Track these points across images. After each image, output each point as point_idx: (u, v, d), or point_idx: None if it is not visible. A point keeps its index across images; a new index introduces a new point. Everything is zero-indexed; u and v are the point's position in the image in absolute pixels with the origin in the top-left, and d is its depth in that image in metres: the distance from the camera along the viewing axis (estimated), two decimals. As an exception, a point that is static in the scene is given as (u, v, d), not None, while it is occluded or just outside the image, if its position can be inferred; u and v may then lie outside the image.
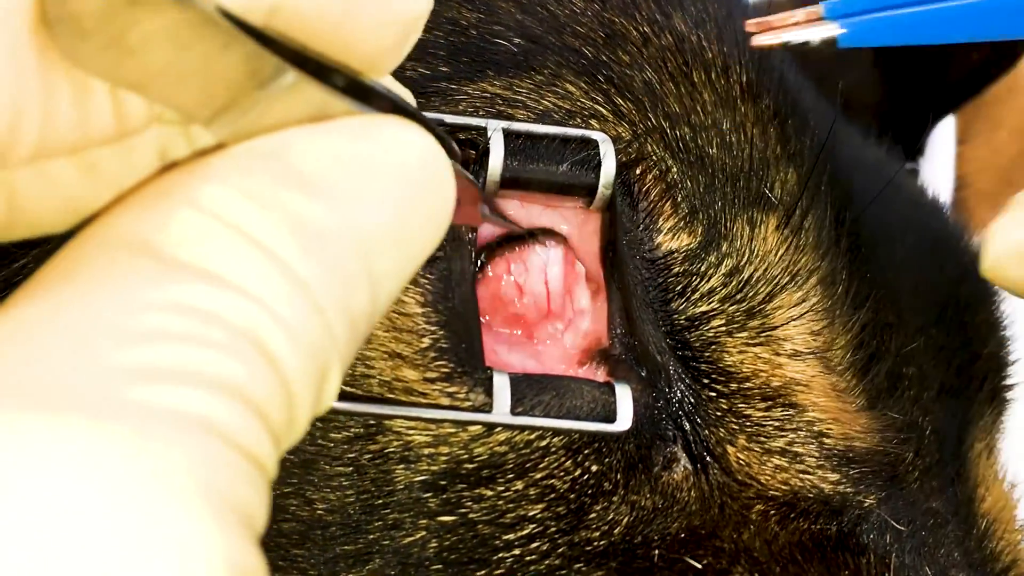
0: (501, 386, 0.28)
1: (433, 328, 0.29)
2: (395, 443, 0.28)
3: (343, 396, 0.28)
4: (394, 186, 0.19)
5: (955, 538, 0.31)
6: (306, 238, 0.18)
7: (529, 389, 0.28)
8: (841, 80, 0.63)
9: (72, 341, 0.16)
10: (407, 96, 0.21)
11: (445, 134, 0.21)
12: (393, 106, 0.20)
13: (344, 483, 0.29)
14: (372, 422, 0.29)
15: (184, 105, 0.19)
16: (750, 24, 0.29)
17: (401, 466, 0.28)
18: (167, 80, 0.18)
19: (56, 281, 0.17)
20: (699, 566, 0.28)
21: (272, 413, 0.17)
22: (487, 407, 0.28)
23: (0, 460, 0.15)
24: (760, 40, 0.28)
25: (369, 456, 0.29)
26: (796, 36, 0.28)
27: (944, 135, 0.69)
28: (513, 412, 0.28)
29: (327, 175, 0.19)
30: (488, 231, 0.31)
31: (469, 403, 0.28)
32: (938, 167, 0.67)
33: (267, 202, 0.18)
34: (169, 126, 0.21)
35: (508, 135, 0.30)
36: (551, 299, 0.31)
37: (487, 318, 0.30)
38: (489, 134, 0.29)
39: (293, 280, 0.18)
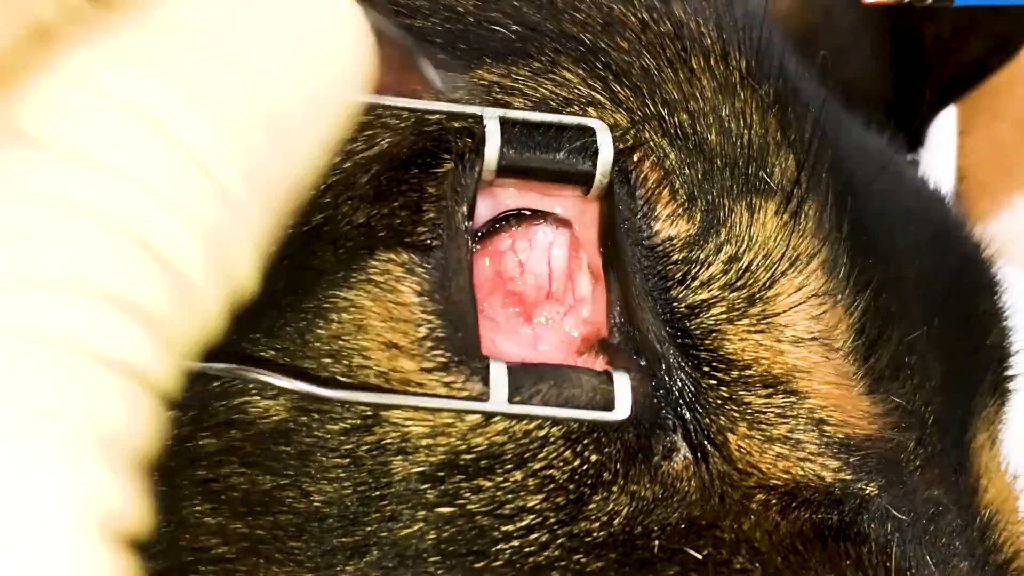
0: (498, 375, 0.28)
1: (430, 317, 0.28)
2: (392, 434, 0.28)
3: (340, 386, 0.28)
4: (295, 31, 0.17)
5: (956, 528, 0.31)
6: (198, 103, 0.16)
7: (527, 378, 0.28)
8: (843, 69, 0.62)
9: None
10: None
11: None
12: None
13: (341, 475, 0.28)
14: (369, 413, 0.28)
15: None
16: None
17: (398, 457, 0.28)
18: None
19: None
20: (699, 556, 0.27)
21: (169, 321, 0.15)
22: (484, 396, 0.28)
23: None
24: None
25: (366, 447, 0.28)
26: None
27: (945, 126, 0.69)
28: (510, 401, 0.27)
29: (213, 25, 0.17)
30: (485, 213, 0.30)
31: (466, 392, 0.28)
32: (939, 158, 0.67)
33: (149, 64, 0.16)
34: None
35: (505, 123, 0.29)
36: (552, 280, 0.30)
37: (485, 304, 0.30)
38: (485, 122, 0.29)
39: (187, 155, 0.16)
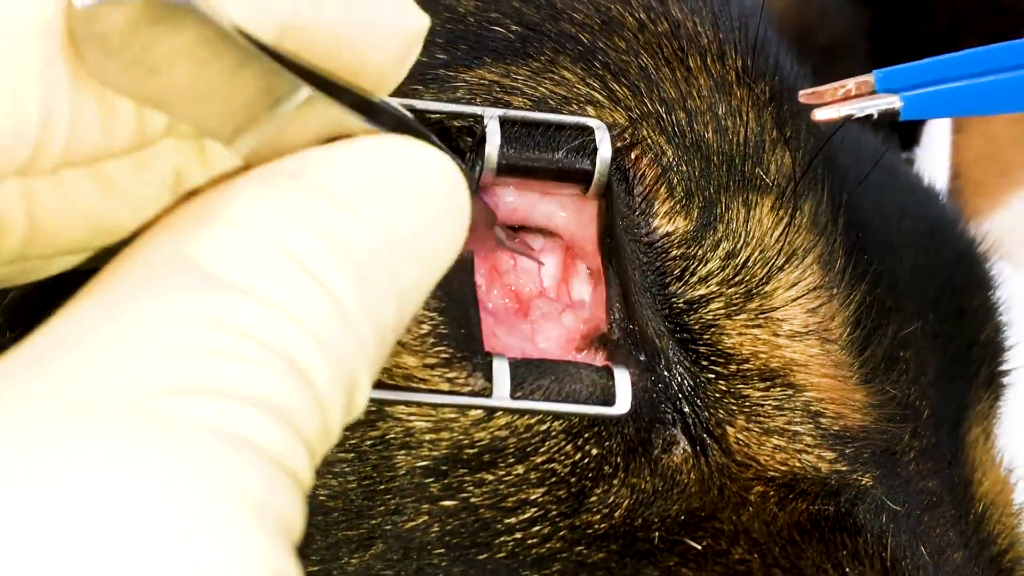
0: (500, 371, 0.28)
1: (432, 314, 0.29)
2: (396, 429, 0.29)
3: None
4: (416, 202, 0.20)
5: (950, 519, 0.31)
6: (337, 251, 0.19)
7: (528, 374, 0.28)
8: (839, 68, 0.63)
9: (115, 353, 0.17)
10: (412, 118, 0.22)
11: (457, 158, 0.22)
12: (402, 124, 0.21)
13: (346, 469, 0.29)
14: (373, 408, 0.29)
15: (205, 122, 0.19)
16: (803, 95, 0.29)
17: (402, 452, 0.29)
18: (189, 98, 0.19)
19: (99, 293, 0.18)
20: (699, 547, 0.28)
21: (305, 424, 0.18)
22: (487, 392, 0.28)
23: (53, 459, 0.15)
24: (822, 115, 0.28)
25: (370, 442, 0.29)
26: (857, 109, 0.28)
27: (940, 124, 0.69)
28: (513, 396, 0.28)
29: (352, 190, 0.19)
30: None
31: (469, 388, 0.28)
32: (933, 156, 0.67)
33: (298, 216, 0.19)
34: (183, 141, 0.21)
35: (505, 122, 0.30)
36: (544, 282, 0.31)
37: (483, 291, 0.31)
38: (485, 122, 0.30)
39: (325, 292, 0.18)
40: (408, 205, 0.20)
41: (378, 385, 0.28)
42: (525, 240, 0.30)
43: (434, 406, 0.28)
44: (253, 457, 0.17)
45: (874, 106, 0.28)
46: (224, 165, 0.22)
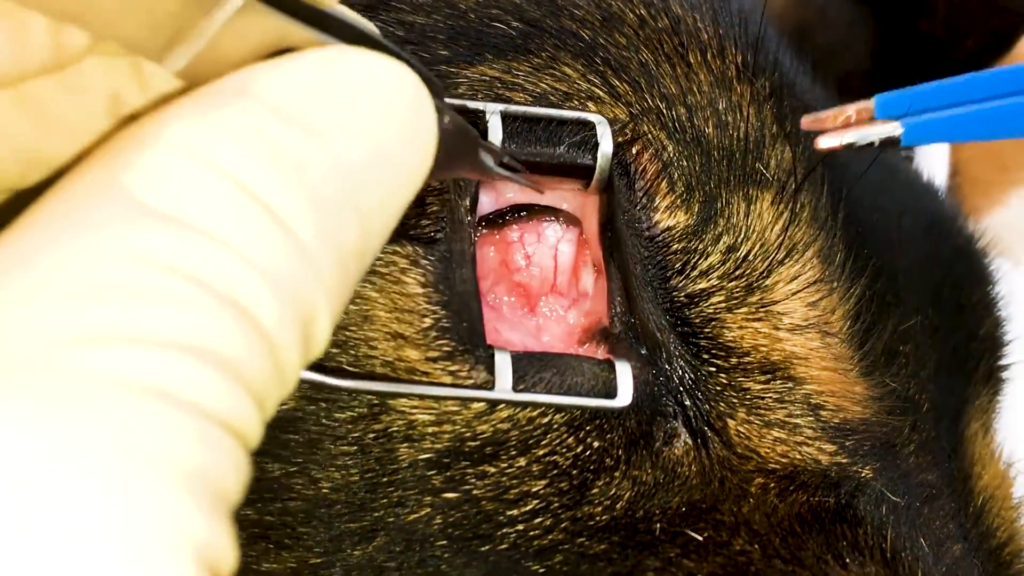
0: (503, 364, 0.28)
1: (434, 308, 0.29)
2: (399, 422, 0.29)
3: (347, 375, 0.28)
4: (373, 117, 0.18)
5: (950, 511, 0.32)
6: (286, 172, 0.17)
7: (530, 367, 0.29)
8: (838, 67, 0.63)
9: (19, 300, 0.15)
10: (371, 29, 0.20)
11: (425, 69, 0.20)
12: (362, 37, 0.19)
13: (348, 462, 0.29)
14: (376, 402, 0.29)
15: (128, 36, 0.18)
16: (804, 121, 0.29)
17: (405, 444, 0.29)
18: (104, 8, 0.17)
19: (15, 231, 0.16)
20: (700, 538, 0.28)
21: (249, 370, 0.16)
22: (489, 384, 0.28)
23: None
24: (825, 143, 0.28)
25: (373, 435, 0.29)
26: (859, 136, 0.28)
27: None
28: (515, 389, 0.28)
29: (302, 107, 0.18)
30: (487, 205, 0.31)
31: (471, 381, 0.28)
32: (933, 153, 0.67)
33: (242, 136, 0.17)
34: (115, 60, 0.20)
35: (506, 118, 0.30)
36: (557, 275, 0.31)
37: (491, 295, 0.31)
38: (487, 117, 0.30)
39: (272, 218, 0.17)
40: (365, 121, 0.18)
41: (382, 377, 0.28)
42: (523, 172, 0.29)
43: (437, 399, 0.28)
44: (179, 413, 0.15)
45: (876, 134, 0.28)
46: (164, 87, 0.20)
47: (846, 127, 0.29)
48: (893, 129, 0.28)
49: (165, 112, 0.18)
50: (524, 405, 0.29)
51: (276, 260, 0.17)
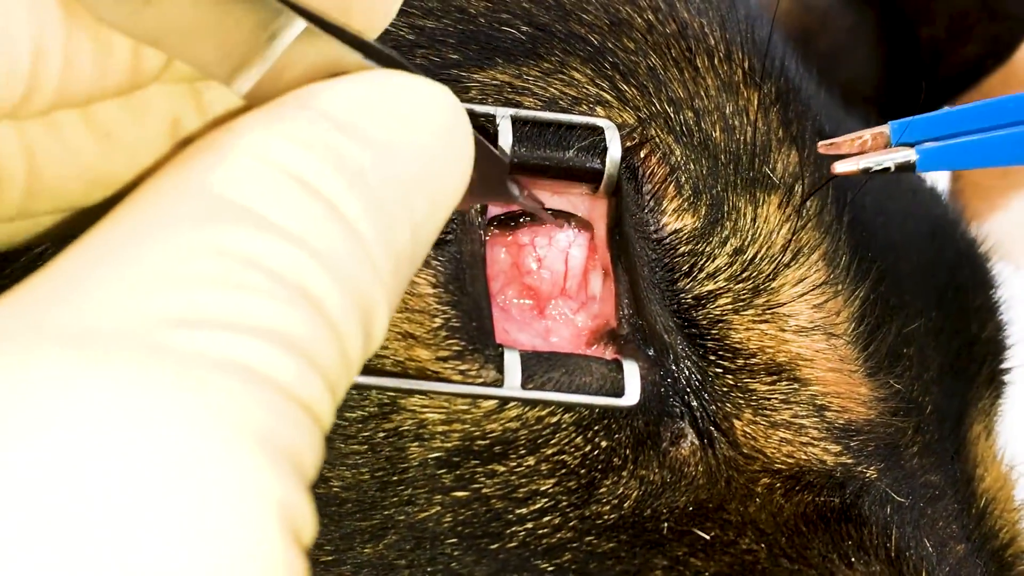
0: (512, 363, 0.29)
1: (444, 308, 0.29)
2: (409, 421, 0.29)
3: (362, 371, 0.28)
4: (425, 133, 0.20)
5: (953, 512, 0.32)
6: (349, 176, 0.18)
7: (539, 366, 0.29)
8: (840, 73, 0.63)
9: (113, 287, 0.16)
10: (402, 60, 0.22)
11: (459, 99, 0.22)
12: (395, 63, 0.21)
13: (359, 461, 0.29)
14: (386, 401, 0.29)
15: (200, 59, 0.19)
16: (821, 146, 0.29)
17: (415, 443, 0.29)
18: (183, 32, 0.19)
19: (100, 232, 0.18)
20: (707, 537, 0.28)
21: (320, 354, 0.17)
22: (499, 383, 0.29)
23: (44, 394, 0.15)
24: (841, 168, 0.29)
25: (383, 434, 0.29)
26: (875, 162, 0.29)
27: None
28: (523, 387, 0.28)
29: (359, 119, 0.19)
30: (497, 209, 0.31)
31: (481, 380, 0.29)
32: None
33: (308, 143, 0.18)
34: (178, 87, 0.21)
35: (516, 122, 0.30)
36: (568, 279, 0.31)
37: (501, 296, 0.31)
38: (498, 121, 0.30)
39: (338, 217, 0.18)
40: (415, 135, 0.20)
41: (394, 374, 0.29)
42: (540, 200, 0.30)
43: (447, 398, 0.29)
44: (258, 387, 0.16)
45: (891, 159, 0.29)
46: (220, 111, 0.22)
47: (862, 152, 0.29)
48: (908, 155, 0.28)
49: (237, 123, 0.19)
50: (533, 403, 0.29)
51: (341, 256, 0.18)
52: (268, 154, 0.18)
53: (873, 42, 0.66)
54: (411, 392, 0.29)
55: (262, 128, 0.19)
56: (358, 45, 0.20)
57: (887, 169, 0.29)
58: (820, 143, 0.30)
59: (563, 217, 0.32)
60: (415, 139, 0.20)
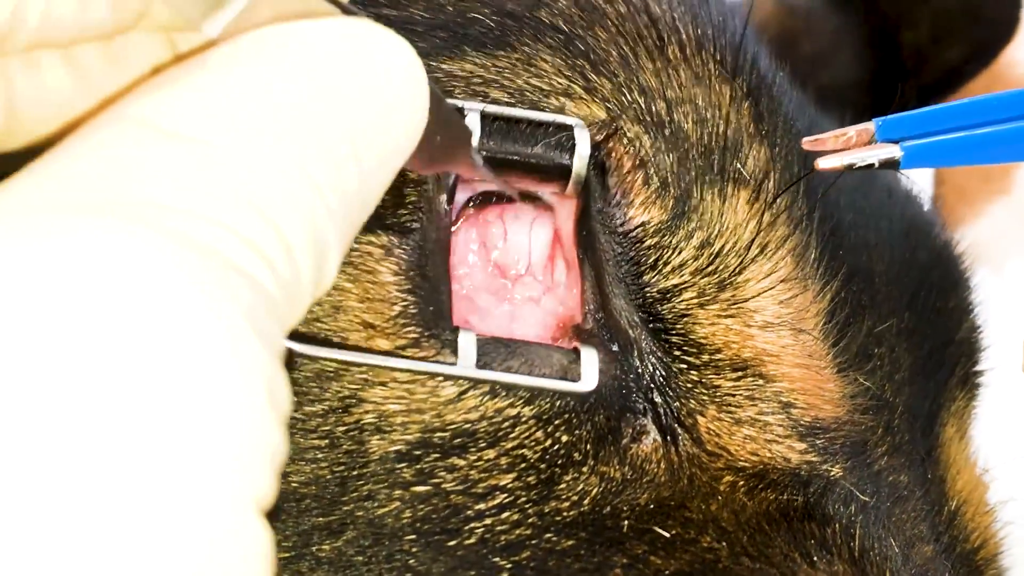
0: (467, 345, 0.28)
1: (403, 295, 0.29)
2: (370, 415, 0.29)
3: (311, 342, 0.28)
4: (378, 82, 0.20)
5: (922, 513, 0.32)
6: (299, 119, 0.19)
7: (497, 353, 0.29)
8: (824, 75, 0.63)
9: (100, 172, 0.17)
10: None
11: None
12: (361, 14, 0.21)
13: (319, 456, 0.29)
14: (347, 394, 0.29)
15: (176, 1, 0.20)
16: (806, 142, 0.29)
17: (375, 437, 0.29)
18: None
19: (72, 142, 0.18)
20: (667, 535, 0.28)
21: (278, 266, 0.18)
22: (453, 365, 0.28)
23: (49, 251, 0.16)
24: (824, 163, 0.29)
25: (343, 428, 0.29)
26: (859, 158, 0.28)
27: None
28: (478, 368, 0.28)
29: (314, 65, 0.20)
30: (464, 196, 0.31)
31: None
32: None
33: (262, 87, 0.19)
34: (156, 36, 0.21)
35: (485, 117, 0.30)
36: (531, 256, 0.31)
37: (464, 275, 0.31)
38: (466, 114, 0.30)
39: (290, 156, 0.19)
40: (370, 85, 0.20)
41: (340, 346, 0.28)
42: (506, 180, 0.30)
43: (406, 388, 0.28)
44: (241, 277, 0.17)
45: (875, 156, 0.28)
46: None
47: (846, 148, 0.29)
48: (893, 152, 0.28)
49: (193, 62, 0.20)
50: (493, 393, 0.29)
51: (294, 189, 0.18)
52: (223, 93, 0.19)
53: (857, 46, 0.66)
54: (361, 366, 0.28)
55: (217, 69, 0.19)
56: None
57: (871, 165, 0.29)
58: (804, 140, 0.29)
59: (528, 199, 0.31)
60: (368, 87, 0.20)
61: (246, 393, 0.16)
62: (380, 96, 0.20)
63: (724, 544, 0.28)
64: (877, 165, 0.29)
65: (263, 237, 0.18)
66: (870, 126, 0.29)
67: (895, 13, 0.64)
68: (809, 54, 0.63)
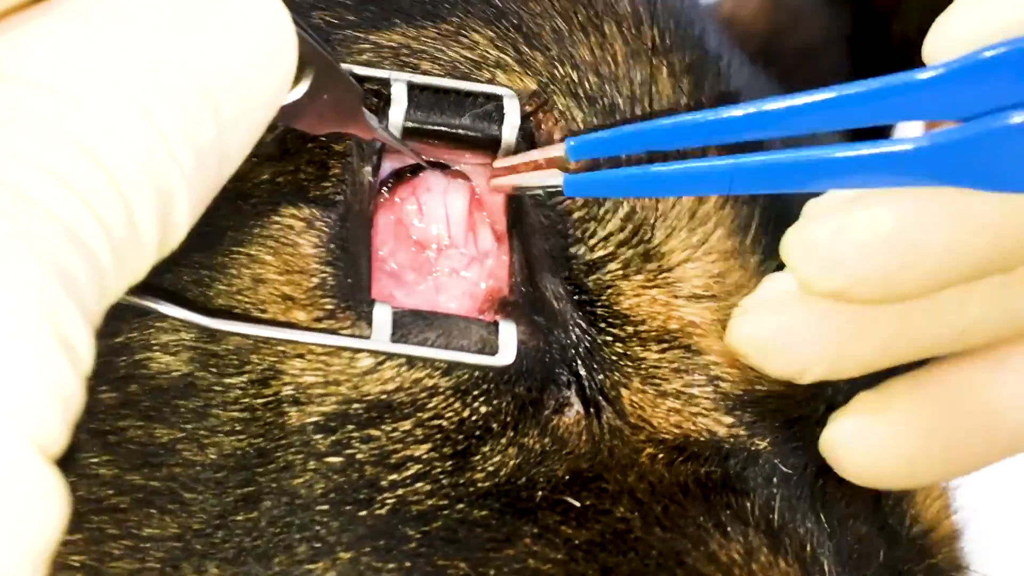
0: (382, 318, 0.28)
1: (322, 268, 0.29)
2: (288, 387, 0.28)
3: (226, 317, 0.28)
4: (242, 34, 0.20)
5: (859, 490, 0.31)
6: (148, 70, 0.19)
7: (414, 325, 0.28)
8: (813, 70, 0.62)
9: None
10: None
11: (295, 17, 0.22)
12: None
13: (238, 428, 0.28)
14: (266, 367, 0.28)
15: None
16: (496, 164, 0.30)
17: (294, 408, 0.28)
18: None
19: None
20: (578, 504, 0.27)
21: (103, 209, 0.18)
22: (367, 338, 0.28)
23: None
24: (495, 183, 0.29)
25: (263, 400, 0.28)
26: (525, 182, 0.29)
27: (911, 125, 0.69)
28: (393, 341, 0.28)
29: (172, 12, 0.19)
30: (387, 169, 0.31)
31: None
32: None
33: (108, 30, 0.19)
34: None
35: (412, 88, 0.30)
36: (451, 227, 0.30)
37: (386, 250, 0.30)
38: (392, 85, 0.29)
39: (132, 101, 0.18)
40: (230, 34, 0.20)
41: (257, 321, 0.28)
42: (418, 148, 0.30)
43: (323, 360, 0.28)
44: (51, 217, 0.17)
45: (540, 181, 0.29)
46: None
47: (533, 170, 0.29)
48: (556, 179, 0.28)
49: (38, 10, 0.19)
50: (410, 363, 0.28)
51: (134, 135, 0.18)
52: (69, 41, 0.19)
53: (846, 40, 0.65)
54: (273, 339, 0.28)
55: (72, 6, 0.19)
56: None
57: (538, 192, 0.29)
58: (495, 162, 0.29)
59: (439, 167, 0.31)
60: (227, 37, 0.20)
61: (29, 336, 0.16)
62: (241, 47, 0.20)
63: (637, 515, 0.27)
64: (542, 192, 0.29)
65: (88, 182, 0.17)
66: (561, 148, 0.28)
67: (884, 5, 0.63)
68: (798, 48, 0.63)
